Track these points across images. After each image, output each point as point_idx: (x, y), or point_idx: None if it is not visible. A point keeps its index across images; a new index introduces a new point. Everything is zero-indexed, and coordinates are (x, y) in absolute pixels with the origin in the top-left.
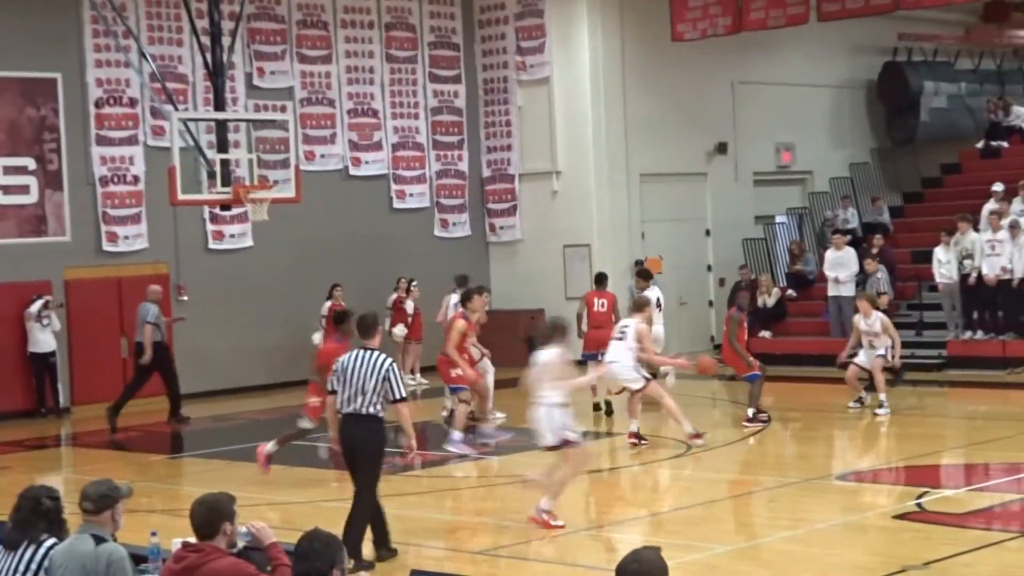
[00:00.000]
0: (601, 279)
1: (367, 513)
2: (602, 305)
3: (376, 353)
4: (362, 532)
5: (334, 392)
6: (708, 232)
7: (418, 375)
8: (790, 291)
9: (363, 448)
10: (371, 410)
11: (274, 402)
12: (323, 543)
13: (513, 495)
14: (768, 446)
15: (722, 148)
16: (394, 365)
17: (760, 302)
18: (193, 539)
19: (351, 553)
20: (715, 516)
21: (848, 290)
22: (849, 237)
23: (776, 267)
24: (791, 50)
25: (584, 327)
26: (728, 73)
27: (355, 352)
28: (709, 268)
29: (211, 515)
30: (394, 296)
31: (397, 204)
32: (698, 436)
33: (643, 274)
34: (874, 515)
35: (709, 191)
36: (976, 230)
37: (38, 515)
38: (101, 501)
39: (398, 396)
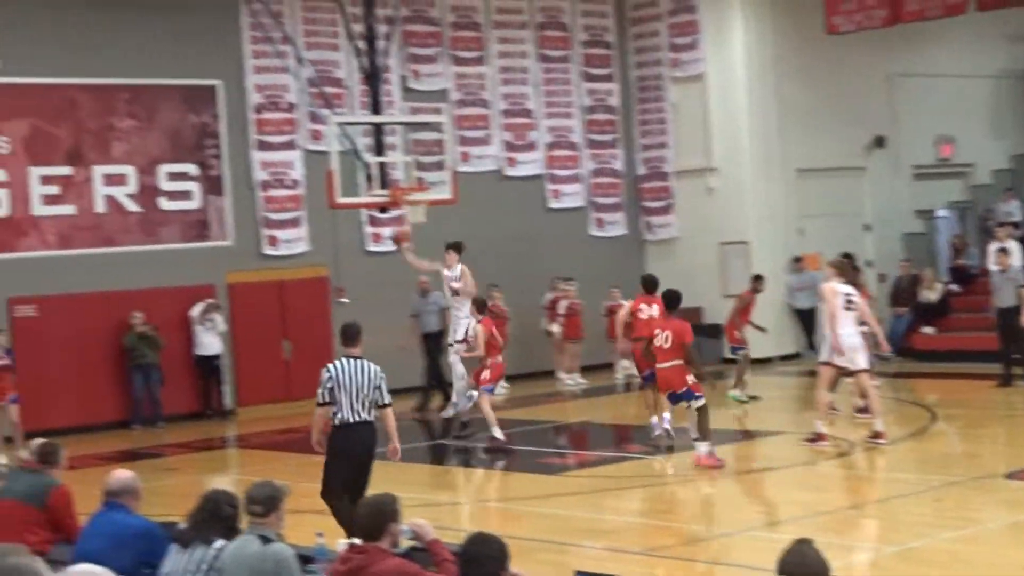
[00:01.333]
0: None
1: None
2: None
3: (365, 361)
4: None
5: (325, 404)
6: (867, 227)
7: (576, 375)
8: (953, 286)
9: (369, 452)
10: (370, 416)
11: (435, 402)
12: (493, 547)
13: (675, 495)
14: (934, 444)
15: (880, 142)
16: (382, 373)
17: (922, 297)
18: (358, 540)
19: None
20: (880, 515)
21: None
22: (1013, 229)
23: (938, 262)
24: (948, 41)
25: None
26: (884, 65)
27: (344, 361)
28: (869, 263)
29: (377, 517)
30: (550, 296)
31: (552, 204)
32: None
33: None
34: None
35: (867, 185)
36: None
37: (217, 519)
38: (268, 503)
39: (386, 401)
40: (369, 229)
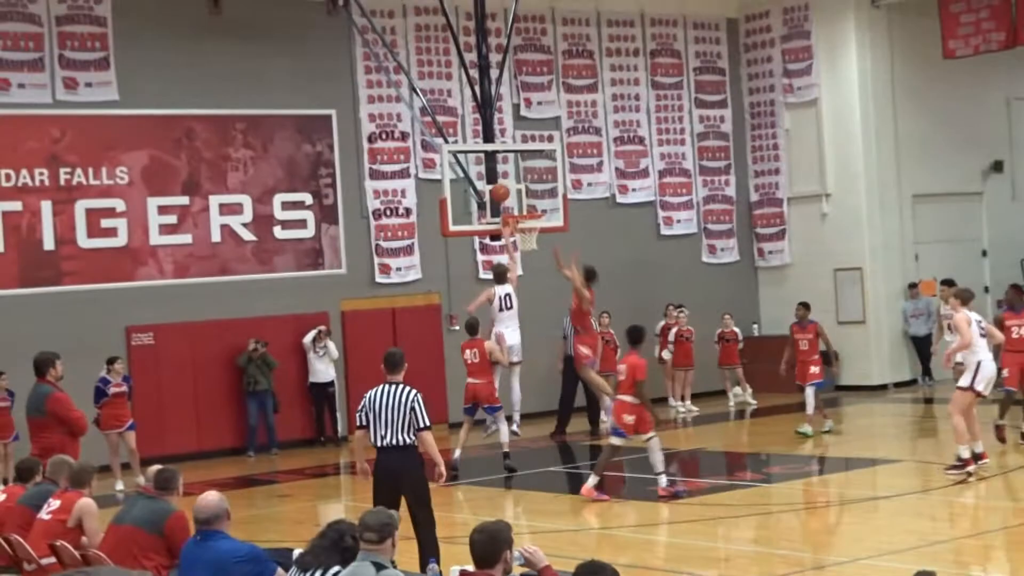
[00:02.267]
0: (472, 328)
1: (434, 532)
2: (474, 355)
3: (401, 387)
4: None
5: (363, 427)
6: (984, 253)
7: (688, 402)
8: None
9: (405, 477)
10: (403, 440)
11: (547, 429)
12: (604, 574)
13: (788, 523)
14: None
15: (998, 166)
16: (418, 397)
17: None
18: (471, 567)
19: None
20: (1006, 545)
21: None
22: None
23: None
24: None
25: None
26: (1003, 89)
27: (381, 387)
28: (986, 290)
29: (492, 544)
30: (663, 323)
31: (664, 230)
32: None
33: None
34: None
35: (985, 211)
36: None
37: (339, 550)
38: (383, 530)
39: (421, 425)
40: (481, 257)
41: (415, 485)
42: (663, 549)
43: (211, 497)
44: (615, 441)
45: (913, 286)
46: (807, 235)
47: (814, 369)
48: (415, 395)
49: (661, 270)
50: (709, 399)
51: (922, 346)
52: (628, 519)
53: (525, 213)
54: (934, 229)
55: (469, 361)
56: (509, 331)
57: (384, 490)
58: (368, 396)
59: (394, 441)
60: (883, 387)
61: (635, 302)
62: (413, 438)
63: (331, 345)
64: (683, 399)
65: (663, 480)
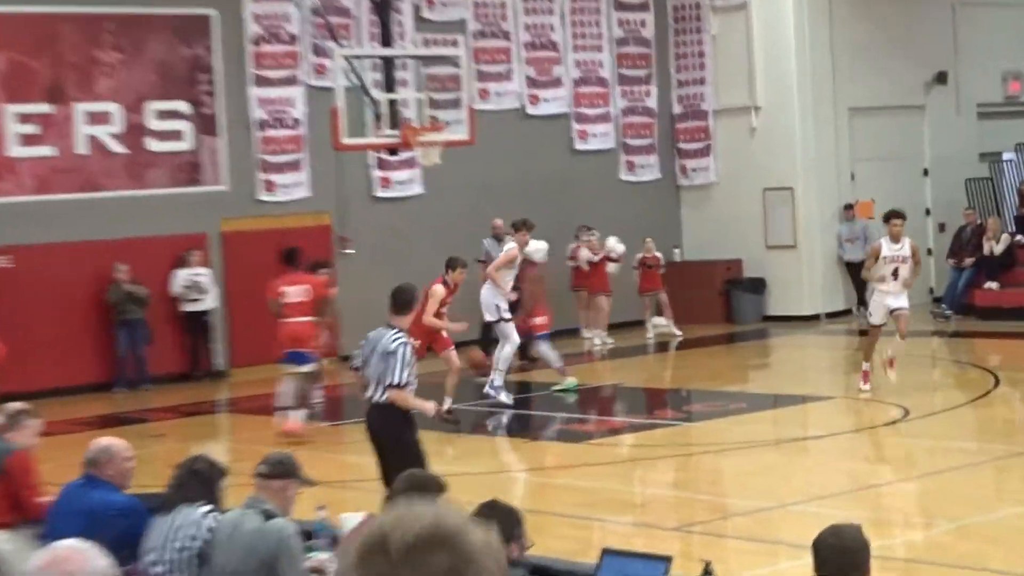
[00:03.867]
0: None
1: None
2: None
3: (391, 331)
4: None
5: (357, 369)
6: (926, 172)
7: (603, 333)
8: (1020, 237)
9: (385, 440)
10: (378, 395)
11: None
12: (502, 515)
13: (711, 465)
14: (997, 410)
15: (941, 78)
16: (405, 347)
17: (987, 249)
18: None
19: None
20: (937, 489)
21: None
22: None
23: (1004, 210)
24: None
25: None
26: None
27: (378, 331)
28: (928, 212)
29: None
30: (573, 245)
31: (579, 145)
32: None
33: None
34: None
35: (927, 126)
36: None
37: (197, 478)
38: (276, 467)
39: (390, 380)
40: (377, 173)
41: (395, 451)
42: (574, 493)
43: (102, 440)
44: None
45: (849, 208)
46: (734, 152)
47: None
48: (399, 343)
49: (575, 189)
50: (627, 330)
51: (858, 273)
52: (537, 460)
53: (426, 125)
54: (872, 146)
55: (293, 300)
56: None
57: (375, 448)
58: (370, 337)
59: (372, 395)
60: (815, 317)
61: (548, 223)
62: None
63: (205, 271)
64: (598, 329)
65: (292, 416)
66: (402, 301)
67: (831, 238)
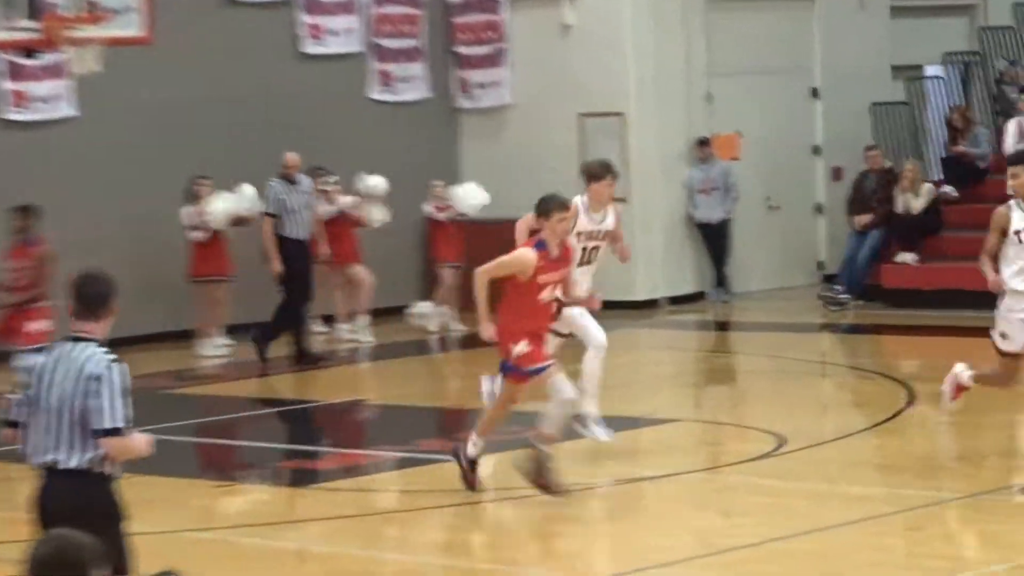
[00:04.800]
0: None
1: None
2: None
3: (86, 346)
4: None
5: (14, 424)
6: (816, 92)
7: (359, 322)
8: (948, 188)
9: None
10: (78, 460)
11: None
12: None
13: (492, 519)
14: (911, 440)
15: None
16: (117, 369)
17: (899, 205)
18: None
19: None
20: (822, 552)
21: None
22: None
23: (927, 149)
24: None
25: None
26: None
27: (58, 348)
28: (817, 151)
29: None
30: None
31: (309, 47)
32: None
33: None
34: None
35: (818, 27)
36: None
37: None
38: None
39: (101, 424)
40: (7, 85)
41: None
42: (288, 564)
43: None
44: None
45: (703, 143)
46: (539, 60)
47: None
48: (106, 364)
49: (302, 109)
50: (384, 320)
51: (716, 239)
52: (238, 514)
53: (82, 14)
54: (738, 54)
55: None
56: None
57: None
58: (42, 363)
59: (54, 460)
60: (652, 303)
61: (263, 163)
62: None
63: None
64: (349, 318)
65: None
66: (95, 296)
67: (678, 188)
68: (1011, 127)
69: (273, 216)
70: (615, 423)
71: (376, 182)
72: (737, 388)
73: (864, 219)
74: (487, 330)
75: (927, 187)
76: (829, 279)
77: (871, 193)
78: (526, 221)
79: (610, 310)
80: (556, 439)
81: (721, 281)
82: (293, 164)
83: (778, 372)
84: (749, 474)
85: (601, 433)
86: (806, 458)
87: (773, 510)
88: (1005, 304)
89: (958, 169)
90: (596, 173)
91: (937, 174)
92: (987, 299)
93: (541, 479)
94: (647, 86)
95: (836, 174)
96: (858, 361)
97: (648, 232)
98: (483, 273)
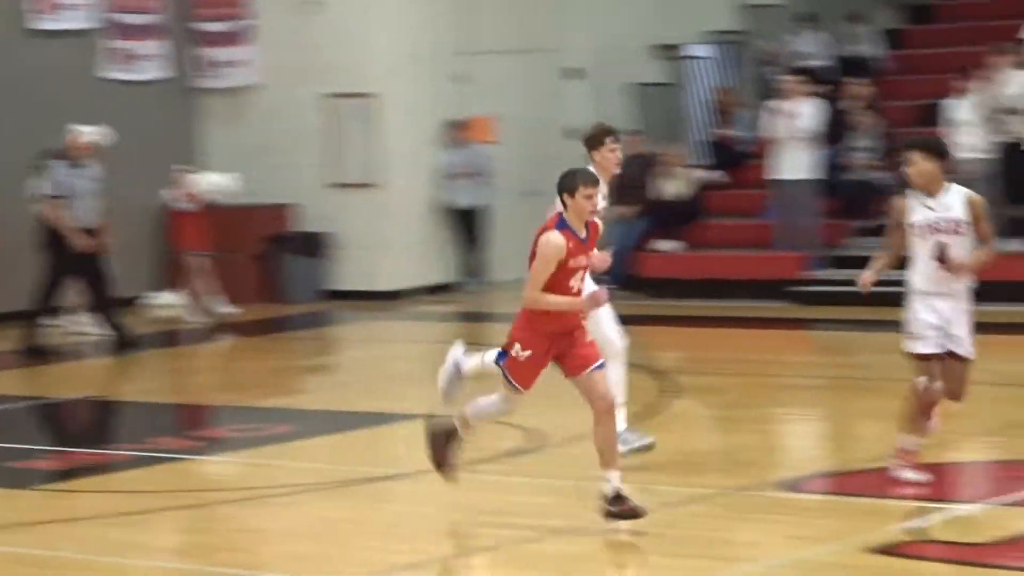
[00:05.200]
0: None
1: None
2: None
3: None
4: None
5: None
6: (576, 73)
7: (90, 316)
8: (712, 173)
9: None
10: None
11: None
12: None
13: (224, 521)
14: (667, 434)
15: None
16: None
17: (661, 192)
18: None
19: None
20: (568, 553)
21: (804, 170)
22: (811, 80)
23: (689, 132)
24: None
25: None
26: None
27: None
28: (572, 135)
29: None
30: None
31: (37, 22)
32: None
33: None
34: (842, 548)
35: (577, 5)
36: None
37: None
38: None
39: None
40: None
41: None
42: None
43: None
44: None
45: (457, 126)
46: (286, 38)
47: None
48: None
49: (30, 89)
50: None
51: (471, 226)
52: None
53: None
54: (495, 32)
55: None
56: None
57: None
58: None
59: None
60: (401, 294)
61: None
62: None
63: None
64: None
65: None
66: None
67: (431, 172)
68: (772, 109)
69: (57, 198)
70: (361, 420)
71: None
72: (490, 381)
73: (624, 209)
74: (582, 303)
75: (689, 172)
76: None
77: (631, 180)
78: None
79: (359, 299)
80: (473, 431)
81: (476, 270)
82: (80, 147)
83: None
84: (501, 473)
85: (637, 440)
86: (562, 455)
87: (525, 509)
88: (910, 306)
89: (722, 154)
90: (594, 140)
91: (701, 158)
92: (744, 288)
93: (440, 455)
94: (399, 66)
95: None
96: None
97: (400, 218)
98: (534, 299)
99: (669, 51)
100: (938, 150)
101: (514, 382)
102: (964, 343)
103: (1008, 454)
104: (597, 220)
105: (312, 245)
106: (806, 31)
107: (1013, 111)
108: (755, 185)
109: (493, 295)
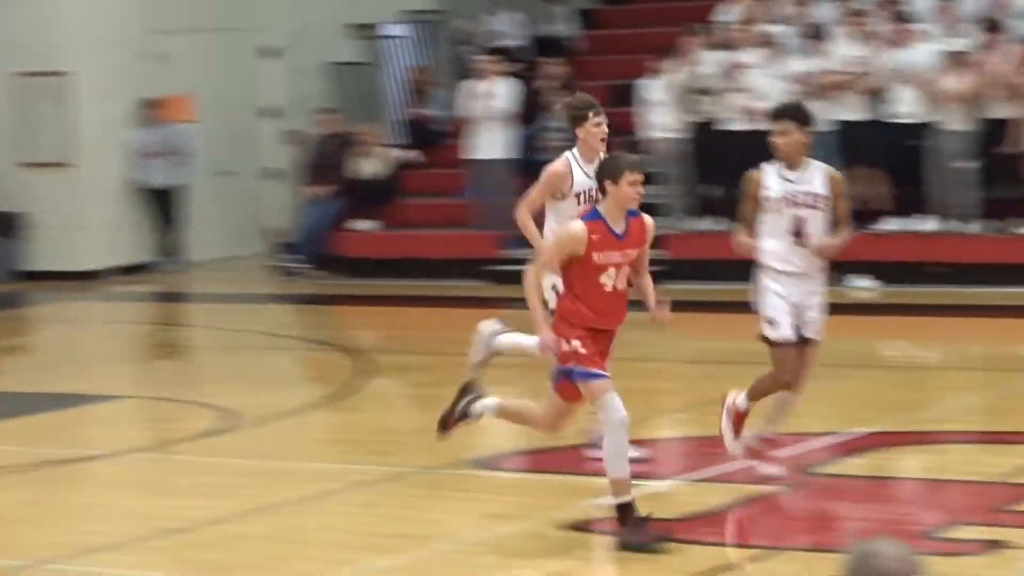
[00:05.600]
0: None
1: None
2: None
3: None
4: None
5: None
6: (271, 52)
7: None
8: (408, 152)
9: None
10: None
11: None
12: None
13: None
14: (368, 414)
15: None
16: None
17: (357, 171)
18: None
19: None
20: (272, 535)
21: (500, 150)
22: (506, 60)
23: (386, 112)
24: None
25: None
26: None
27: None
28: (270, 112)
29: None
30: None
31: None
32: None
33: None
34: (535, 525)
35: None
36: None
37: None
38: None
39: None
40: None
41: None
42: None
43: None
44: None
45: (151, 104)
46: None
47: None
48: None
49: None
50: None
51: (166, 205)
52: None
53: None
54: (190, 10)
55: None
56: None
57: None
58: None
59: None
60: (97, 274)
61: None
62: None
63: None
64: None
65: None
66: None
67: (125, 151)
68: (467, 89)
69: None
70: (56, 401)
71: None
72: (185, 363)
73: (318, 188)
74: (546, 335)
75: (384, 151)
76: (288, 248)
77: (326, 159)
78: None
79: (53, 280)
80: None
81: (172, 250)
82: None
83: (230, 346)
84: (197, 453)
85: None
86: (259, 435)
87: (223, 490)
88: (765, 286)
89: (418, 133)
90: (576, 115)
91: (398, 138)
92: (443, 268)
93: (452, 418)
94: (92, 44)
95: (294, 140)
96: (314, 333)
97: (94, 198)
98: (537, 270)
99: (365, 30)
100: (809, 120)
101: (592, 370)
102: (815, 325)
103: (701, 431)
104: (647, 218)
105: (4, 225)
106: (501, 11)
107: (705, 91)
108: (451, 165)
109: (190, 275)
